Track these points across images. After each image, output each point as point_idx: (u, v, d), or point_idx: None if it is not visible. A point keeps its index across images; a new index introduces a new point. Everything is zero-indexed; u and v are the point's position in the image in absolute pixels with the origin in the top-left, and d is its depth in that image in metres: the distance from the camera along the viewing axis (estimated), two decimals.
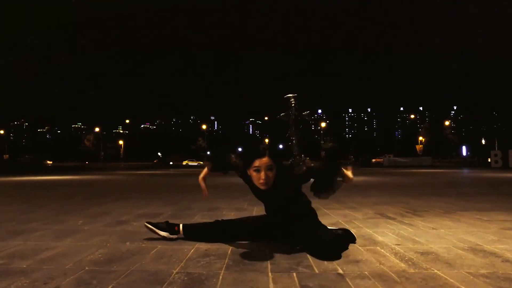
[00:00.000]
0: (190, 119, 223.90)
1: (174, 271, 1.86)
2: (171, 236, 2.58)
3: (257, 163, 2.21)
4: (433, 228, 3.01)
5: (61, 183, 10.75)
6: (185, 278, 1.75)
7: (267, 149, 2.25)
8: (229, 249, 2.32)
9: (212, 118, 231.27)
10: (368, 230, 2.94)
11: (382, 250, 2.24)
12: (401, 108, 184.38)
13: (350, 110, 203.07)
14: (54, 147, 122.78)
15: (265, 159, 2.21)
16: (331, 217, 3.68)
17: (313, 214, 2.48)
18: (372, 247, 2.33)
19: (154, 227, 2.62)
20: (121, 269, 1.91)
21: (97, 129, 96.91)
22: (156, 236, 2.60)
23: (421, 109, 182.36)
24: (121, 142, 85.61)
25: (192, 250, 2.29)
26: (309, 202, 2.51)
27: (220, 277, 1.76)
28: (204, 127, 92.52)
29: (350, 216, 3.71)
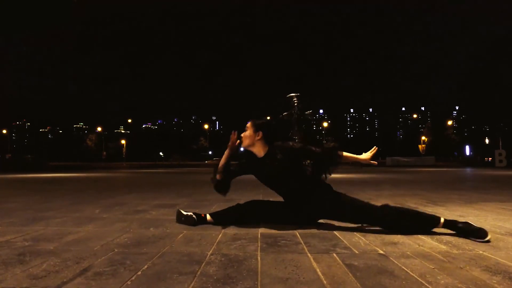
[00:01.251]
0: (192, 119, 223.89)
1: (208, 253, 1.80)
2: (196, 219, 2.55)
3: (247, 125, 2.55)
4: (460, 216, 2.94)
5: (68, 179, 10.70)
6: (222, 259, 1.68)
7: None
8: (258, 232, 2.26)
9: (214, 118, 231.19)
10: None
11: (417, 235, 2.16)
12: (403, 108, 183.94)
13: (351, 110, 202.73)
14: (55, 147, 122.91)
15: (249, 123, 2.54)
16: None
17: (327, 186, 2.44)
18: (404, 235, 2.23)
19: (183, 211, 2.62)
20: (152, 251, 1.85)
21: (99, 129, 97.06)
22: (179, 224, 2.57)
23: (423, 109, 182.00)
24: (123, 141, 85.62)
25: (220, 235, 2.22)
26: (319, 178, 2.46)
27: (259, 257, 1.69)
28: (206, 126, 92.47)
29: None
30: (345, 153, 2.43)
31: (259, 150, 2.50)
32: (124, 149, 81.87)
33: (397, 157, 44.18)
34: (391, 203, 3.89)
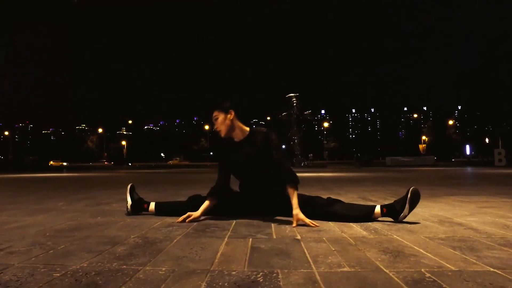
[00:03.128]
0: (193, 120, 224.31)
1: (132, 236, 1.86)
2: (130, 209, 2.59)
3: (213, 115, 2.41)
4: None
5: (59, 178, 10.81)
6: (140, 241, 1.74)
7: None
8: (195, 222, 2.31)
9: None
10: None
11: (351, 224, 2.20)
12: (405, 108, 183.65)
13: (353, 111, 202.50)
14: (58, 148, 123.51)
15: (216, 112, 2.38)
16: None
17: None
18: (343, 223, 2.27)
19: (130, 192, 2.63)
20: (81, 235, 1.91)
21: (100, 130, 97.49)
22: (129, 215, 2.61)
23: (425, 109, 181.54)
24: (124, 142, 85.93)
25: (158, 223, 2.28)
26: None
27: (175, 240, 1.75)
28: (206, 127, 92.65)
29: None
30: (293, 193, 2.23)
31: (237, 133, 2.40)
32: (125, 150, 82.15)
33: (397, 157, 44.11)
34: (356, 196, 3.98)
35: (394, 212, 2.20)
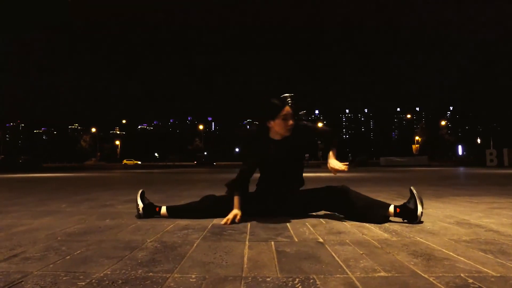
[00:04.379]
0: (187, 120, 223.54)
1: (148, 240, 1.80)
2: (142, 211, 2.52)
3: (285, 111, 2.29)
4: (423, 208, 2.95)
5: (55, 178, 10.65)
6: (158, 245, 1.68)
7: (290, 100, 2.33)
8: (210, 224, 2.26)
9: (209, 119, 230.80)
10: None
11: (368, 225, 2.17)
12: (398, 109, 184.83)
13: (347, 111, 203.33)
14: (50, 148, 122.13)
15: (289, 108, 2.31)
16: None
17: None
18: (358, 223, 2.23)
19: (140, 196, 2.57)
20: (95, 239, 1.85)
21: (93, 130, 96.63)
22: (138, 217, 2.55)
23: (418, 109, 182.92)
24: (117, 142, 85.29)
25: (171, 225, 2.22)
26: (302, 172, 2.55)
27: (195, 245, 1.70)
28: (201, 127, 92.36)
29: None
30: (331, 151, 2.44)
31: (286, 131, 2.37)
32: (118, 150, 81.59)
33: (391, 157, 44.37)
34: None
35: (408, 212, 2.17)
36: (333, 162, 2.32)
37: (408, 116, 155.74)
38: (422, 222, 2.20)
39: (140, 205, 2.52)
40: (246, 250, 1.57)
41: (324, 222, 2.24)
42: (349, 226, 2.13)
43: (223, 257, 1.46)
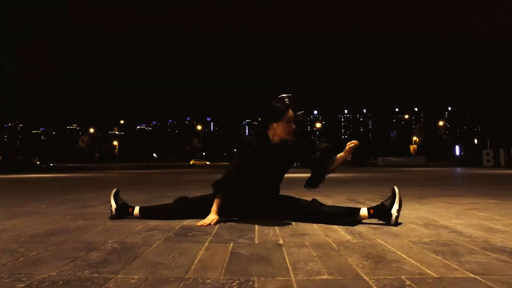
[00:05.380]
0: (186, 120, 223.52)
1: (110, 241, 1.80)
2: (114, 212, 2.51)
3: (289, 114, 2.30)
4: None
5: (48, 179, 10.65)
6: (117, 246, 1.69)
7: (288, 100, 2.32)
8: (179, 224, 2.26)
9: (208, 119, 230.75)
10: None
11: (336, 227, 2.17)
12: (396, 109, 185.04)
13: (345, 111, 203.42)
14: (48, 148, 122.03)
15: (292, 112, 2.32)
16: None
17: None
18: (330, 226, 2.20)
19: (114, 196, 2.56)
20: (57, 240, 1.85)
21: (91, 130, 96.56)
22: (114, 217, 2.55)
23: (416, 109, 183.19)
24: (115, 142, 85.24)
25: (140, 226, 2.23)
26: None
27: (154, 245, 1.70)
28: (199, 127, 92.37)
29: None
30: (338, 156, 2.38)
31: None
32: (116, 150, 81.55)
33: (389, 157, 44.47)
34: (344, 198, 3.96)
35: (383, 212, 2.18)
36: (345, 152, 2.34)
37: (406, 116, 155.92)
38: (399, 222, 2.19)
39: (113, 205, 2.53)
40: (201, 252, 1.57)
41: (293, 224, 2.24)
42: (316, 228, 2.13)
43: (175, 258, 1.47)
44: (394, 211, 2.14)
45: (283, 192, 2.60)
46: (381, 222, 2.22)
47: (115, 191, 2.60)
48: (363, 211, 2.23)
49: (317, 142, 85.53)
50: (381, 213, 2.19)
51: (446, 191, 4.74)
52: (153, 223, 2.34)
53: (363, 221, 2.24)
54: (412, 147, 48.23)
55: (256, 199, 2.44)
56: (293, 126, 2.32)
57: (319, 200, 2.37)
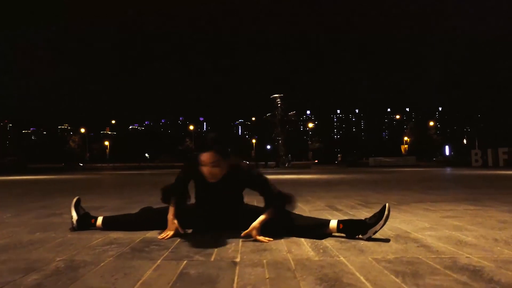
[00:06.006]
0: (179, 120, 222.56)
1: (58, 259, 1.69)
2: (75, 224, 2.39)
3: (202, 157, 2.02)
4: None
5: (29, 181, 10.43)
6: (62, 266, 1.58)
7: (212, 143, 2.02)
8: (140, 237, 2.16)
9: (201, 119, 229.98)
10: None
11: (303, 240, 2.06)
12: (388, 109, 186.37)
13: (338, 111, 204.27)
14: (39, 148, 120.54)
15: (208, 155, 2.01)
16: None
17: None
18: (295, 238, 2.10)
19: (74, 206, 2.44)
20: (1, 258, 1.73)
21: (82, 130, 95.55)
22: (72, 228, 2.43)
23: (408, 110, 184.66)
24: (106, 143, 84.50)
25: (99, 239, 2.12)
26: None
27: (102, 264, 1.59)
28: (191, 127, 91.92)
29: (297, 210, 3.54)
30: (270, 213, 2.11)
31: (218, 173, 2.10)
32: (107, 150, 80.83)
33: (380, 157, 44.73)
34: (323, 205, 3.88)
35: (354, 227, 2.08)
36: (254, 233, 2.05)
37: (398, 116, 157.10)
38: (356, 238, 2.09)
39: (74, 216, 2.41)
40: (149, 272, 1.47)
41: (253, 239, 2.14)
42: (283, 242, 2.03)
43: (118, 280, 1.36)
44: (373, 229, 2.02)
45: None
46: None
47: (76, 200, 2.49)
48: (333, 224, 2.13)
49: (310, 142, 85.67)
50: (352, 229, 2.08)
51: (429, 196, 4.69)
52: (114, 235, 2.23)
53: (333, 234, 2.14)
54: (403, 147, 48.55)
55: (216, 214, 2.31)
56: (213, 168, 2.04)
57: (290, 210, 2.26)
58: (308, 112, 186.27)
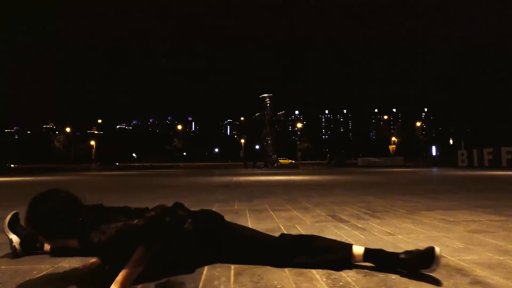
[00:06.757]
0: (167, 119, 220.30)
1: None
2: (18, 246, 1.84)
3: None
4: (389, 234, 2.43)
5: (8, 184, 9.72)
6: None
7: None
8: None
9: (190, 119, 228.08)
10: None
11: (314, 272, 1.56)
12: (376, 110, 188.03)
13: (326, 112, 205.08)
14: (22, 148, 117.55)
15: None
16: (273, 221, 3.04)
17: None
18: (303, 270, 1.60)
19: (9, 224, 1.88)
20: None
21: (68, 129, 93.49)
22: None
23: (395, 110, 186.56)
24: (92, 142, 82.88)
25: (44, 272, 1.60)
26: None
27: None
28: (179, 127, 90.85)
29: (296, 220, 3.08)
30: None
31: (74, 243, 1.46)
32: (93, 150, 79.29)
33: (368, 157, 44.75)
34: (325, 214, 3.40)
35: (388, 262, 1.57)
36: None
37: (385, 117, 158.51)
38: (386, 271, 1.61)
39: (14, 239, 1.87)
40: None
41: (255, 269, 1.65)
42: (285, 273, 1.55)
43: None
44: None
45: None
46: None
47: (12, 216, 1.93)
48: (358, 250, 1.60)
49: (298, 142, 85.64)
50: (386, 263, 1.58)
51: (436, 201, 4.26)
52: (66, 264, 1.72)
53: (355, 263, 1.64)
54: (391, 147, 48.73)
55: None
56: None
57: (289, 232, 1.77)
58: (297, 112, 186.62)
